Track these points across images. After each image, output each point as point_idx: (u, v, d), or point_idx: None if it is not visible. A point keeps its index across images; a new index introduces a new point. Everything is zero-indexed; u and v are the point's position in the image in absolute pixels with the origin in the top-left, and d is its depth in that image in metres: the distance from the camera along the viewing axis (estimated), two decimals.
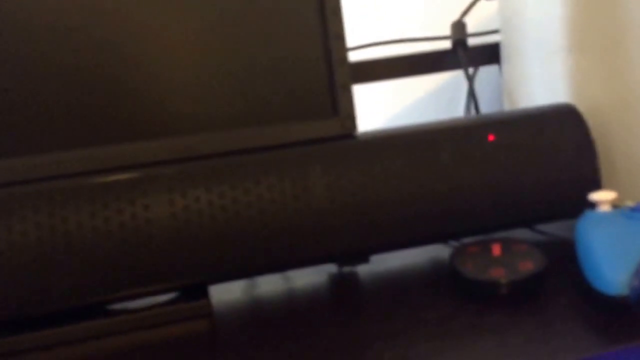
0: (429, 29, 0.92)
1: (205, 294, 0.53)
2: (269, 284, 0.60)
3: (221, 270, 0.53)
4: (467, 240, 0.60)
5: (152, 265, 0.50)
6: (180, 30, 0.54)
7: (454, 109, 1.05)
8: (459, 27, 0.82)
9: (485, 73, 0.92)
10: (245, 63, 0.56)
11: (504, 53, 0.80)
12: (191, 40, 0.55)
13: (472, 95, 0.78)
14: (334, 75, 0.57)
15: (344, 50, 0.57)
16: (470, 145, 0.56)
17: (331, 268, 0.62)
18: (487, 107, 0.93)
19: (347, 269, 0.61)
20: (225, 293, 0.58)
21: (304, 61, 0.57)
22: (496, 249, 0.53)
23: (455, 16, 0.88)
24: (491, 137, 0.57)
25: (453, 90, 1.05)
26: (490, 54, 0.85)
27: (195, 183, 0.51)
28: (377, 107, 1.04)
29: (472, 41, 0.85)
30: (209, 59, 0.55)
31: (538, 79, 0.72)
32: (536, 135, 0.58)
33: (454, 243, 0.62)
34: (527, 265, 0.50)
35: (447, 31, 0.86)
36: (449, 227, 0.57)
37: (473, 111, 0.90)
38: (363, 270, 0.61)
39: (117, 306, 0.53)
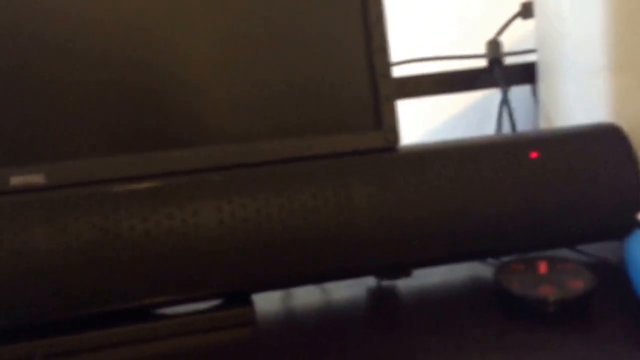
0: (463, 47, 0.92)
1: (249, 302, 0.53)
2: (307, 296, 0.60)
3: (264, 279, 0.53)
4: (506, 258, 0.60)
5: (199, 270, 0.50)
6: (225, 43, 0.55)
7: (485, 128, 1.05)
8: (494, 45, 0.83)
9: (517, 92, 0.92)
10: (291, 75, 0.56)
11: (541, 72, 0.80)
12: (237, 51, 0.55)
13: (509, 114, 0.78)
14: (378, 88, 0.57)
15: (387, 63, 0.58)
16: (512, 162, 0.56)
17: (370, 281, 0.62)
18: (518, 126, 0.93)
19: (386, 282, 0.61)
20: (263, 303, 0.58)
21: (348, 74, 0.57)
22: (542, 267, 0.53)
23: (489, 34, 0.88)
24: (534, 155, 0.57)
25: (484, 109, 1.05)
26: (525, 73, 0.85)
27: (242, 190, 0.52)
28: (407, 124, 1.04)
29: (506, 60, 0.86)
30: (256, 71, 0.55)
31: (576, 98, 0.72)
32: (579, 153, 0.58)
33: (492, 261, 0.62)
34: (577, 284, 0.50)
35: (480, 50, 0.86)
36: (490, 244, 0.56)
37: (505, 130, 0.90)
38: (402, 284, 0.61)
39: (164, 310, 0.53)
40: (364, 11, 0.56)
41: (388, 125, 0.57)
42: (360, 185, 0.53)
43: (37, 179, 0.51)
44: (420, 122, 1.07)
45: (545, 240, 0.58)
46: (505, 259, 0.59)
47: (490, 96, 1.00)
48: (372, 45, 0.56)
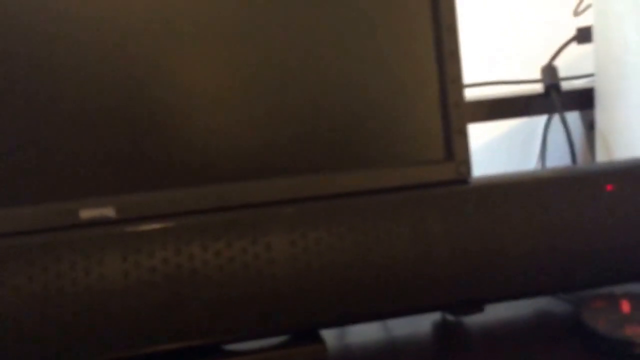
0: (513, 73, 0.91)
1: (319, 338, 0.52)
2: (369, 331, 0.59)
3: (337, 315, 0.51)
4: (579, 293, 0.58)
5: (272, 306, 0.49)
6: (278, 75, 0.53)
7: (528, 151, 1.04)
8: (550, 71, 0.81)
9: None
10: (358, 105, 0.55)
11: (599, 98, 0.78)
12: (296, 82, 0.54)
13: (568, 142, 0.76)
14: (450, 119, 0.56)
15: (460, 93, 0.56)
16: (588, 195, 0.55)
17: (434, 316, 0.61)
18: (560, 153, 0.91)
19: (450, 317, 0.59)
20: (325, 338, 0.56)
21: (420, 104, 0.56)
22: (625, 305, 0.51)
23: (535, 60, 0.87)
24: (609, 187, 0.56)
25: (527, 132, 1.04)
26: (580, 99, 0.83)
27: (315, 224, 0.50)
28: None
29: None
30: (322, 102, 0.54)
31: None
32: None
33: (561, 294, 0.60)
34: None
35: (530, 75, 0.85)
36: (565, 278, 0.55)
37: (554, 155, 0.89)
38: (468, 319, 0.59)
39: (232, 346, 0.51)
40: (437, 42, 0.55)
41: (460, 157, 0.56)
42: (436, 219, 0.52)
43: (107, 212, 0.49)
44: None
45: (620, 275, 0.56)
46: (579, 293, 0.58)
47: (534, 120, 0.99)
48: (446, 76, 0.55)
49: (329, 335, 0.57)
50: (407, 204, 0.53)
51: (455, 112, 0.56)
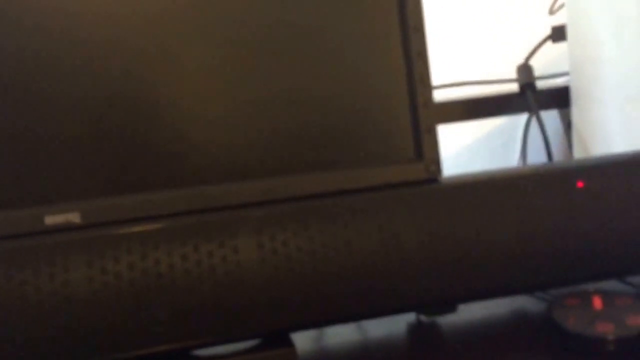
0: (487, 72, 0.91)
1: (289, 341, 0.51)
2: (343, 333, 0.58)
3: (306, 317, 0.51)
4: (553, 291, 0.58)
5: (241, 310, 0.49)
6: (253, 77, 0.53)
7: (509, 152, 1.03)
8: (526, 70, 0.81)
9: (542, 116, 0.90)
10: (326, 106, 0.55)
11: (575, 97, 0.78)
12: (267, 84, 0.53)
13: (544, 140, 0.76)
14: (419, 118, 0.56)
15: (429, 93, 0.56)
16: (559, 192, 0.55)
17: (408, 317, 0.60)
18: (542, 152, 0.91)
19: (424, 317, 0.59)
20: (298, 341, 0.56)
21: (388, 104, 0.56)
22: (597, 302, 0.51)
23: (510, 59, 0.87)
24: (580, 184, 0.55)
25: (508, 133, 1.04)
26: (557, 98, 0.83)
27: (284, 226, 0.50)
28: None
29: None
30: (291, 104, 0.54)
31: (616, 124, 0.71)
32: (626, 182, 0.56)
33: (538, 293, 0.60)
34: (637, 320, 0.47)
35: (506, 75, 0.85)
36: (538, 276, 0.55)
37: (534, 155, 0.89)
38: (443, 319, 0.59)
39: (200, 352, 0.51)
40: (405, 42, 0.55)
41: (430, 156, 0.55)
42: (406, 219, 0.51)
43: (73, 217, 0.49)
44: (441, 146, 1.04)
45: (594, 272, 0.56)
46: (554, 292, 0.58)
47: (514, 120, 0.98)
48: (414, 76, 0.55)
49: (304, 337, 0.56)
50: (377, 204, 0.52)
51: (424, 111, 0.56)
